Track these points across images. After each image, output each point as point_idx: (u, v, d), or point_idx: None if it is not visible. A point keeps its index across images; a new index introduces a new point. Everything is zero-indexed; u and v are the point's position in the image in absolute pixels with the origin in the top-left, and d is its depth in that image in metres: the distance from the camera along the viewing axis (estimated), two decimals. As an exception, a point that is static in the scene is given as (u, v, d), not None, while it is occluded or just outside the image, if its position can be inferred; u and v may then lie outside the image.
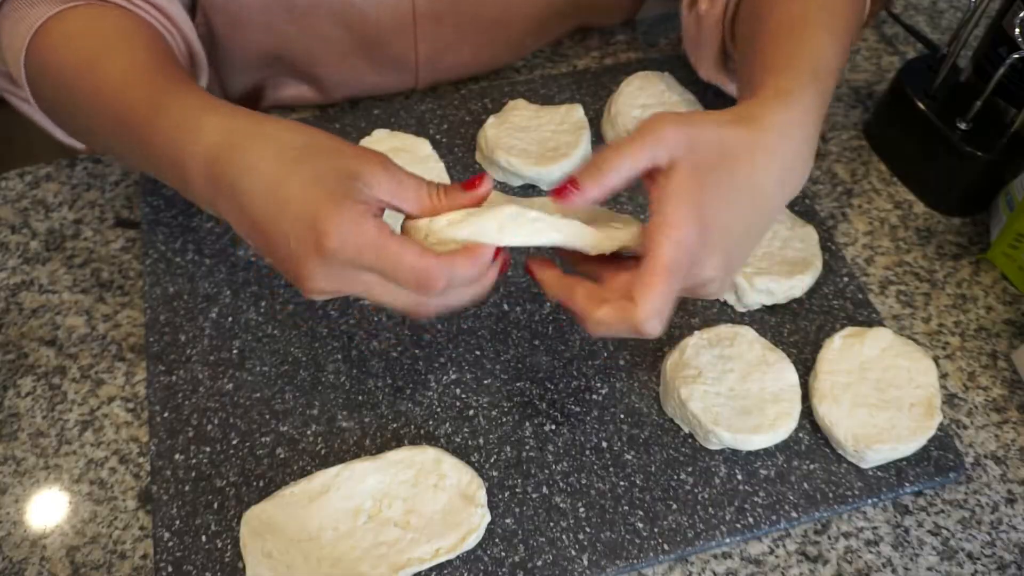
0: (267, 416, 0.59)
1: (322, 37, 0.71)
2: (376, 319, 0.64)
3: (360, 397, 0.60)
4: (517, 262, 0.67)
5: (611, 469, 0.58)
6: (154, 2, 0.60)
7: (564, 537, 0.55)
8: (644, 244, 0.46)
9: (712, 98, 0.77)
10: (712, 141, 0.47)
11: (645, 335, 0.45)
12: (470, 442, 0.59)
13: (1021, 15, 0.65)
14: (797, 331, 0.64)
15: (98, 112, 0.54)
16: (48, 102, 0.59)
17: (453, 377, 0.61)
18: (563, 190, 0.47)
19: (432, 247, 0.46)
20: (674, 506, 0.56)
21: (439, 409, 0.60)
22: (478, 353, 0.63)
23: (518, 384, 0.61)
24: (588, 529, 0.55)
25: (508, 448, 0.58)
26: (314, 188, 0.44)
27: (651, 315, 0.44)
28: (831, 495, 0.57)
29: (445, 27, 0.72)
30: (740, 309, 0.65)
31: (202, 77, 0.67)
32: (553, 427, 0.59)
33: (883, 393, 0.59)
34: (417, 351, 0.62)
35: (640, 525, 0.55)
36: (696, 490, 0.57)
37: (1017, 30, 0.65)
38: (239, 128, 0.47)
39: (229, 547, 0.54)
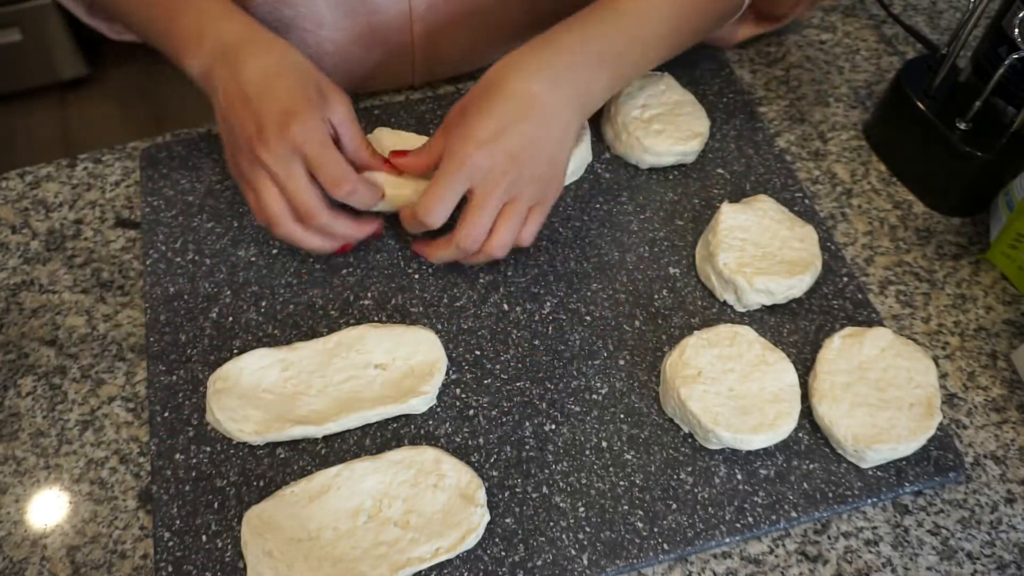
0: (267, 416, 0.59)
1: (318, 20, 0.71)
2: (377, 319, 0.64)
3: (360, 397, 0.60)
4: (517, 261, 0.67)
5: (611, 469, 0.58)
6: None
7: (564, 537, 0.55)
8: None
9: (712, 97, 0.78)
10: (475, 91, 0.60)
11: (428, 225, 0.59)
12: (470, 442, 0.59)
13: (1021, 15, 0.65)
14: (797, 331, 0.64)
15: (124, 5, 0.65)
16: None
17: (453, 377, 0.61)
18: (398, 154, 0.64)
19: None
20: (674, 506, 0.56)
21: (439, 409, 0.60)
22: (478, 353, 0.63)
23: (518, 384, 0.61)
24: (588, 529, 0.55)
25: (508, 448, 0.58)
26: (297, 91, 0.58)
27: (426, 205, 0.59)
28: (831, 495, 0.57)
29: (440, 10, 0.73)
30: (740, 309, 0.65)
31: None
32: (553, 427, 0.59)
33: (883, 393, 0.59)
34: (417, 351, 0.62)
35: (640, 525, 0.56)
36: (696, 490, 0.57)
37: (1017, 30, 0.65)
38: (250, 34, 0.61)
39: (229, 547, 0.54)
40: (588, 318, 0.64)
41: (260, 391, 0.58)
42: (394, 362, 0.60)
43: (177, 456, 0.57)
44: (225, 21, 0.61)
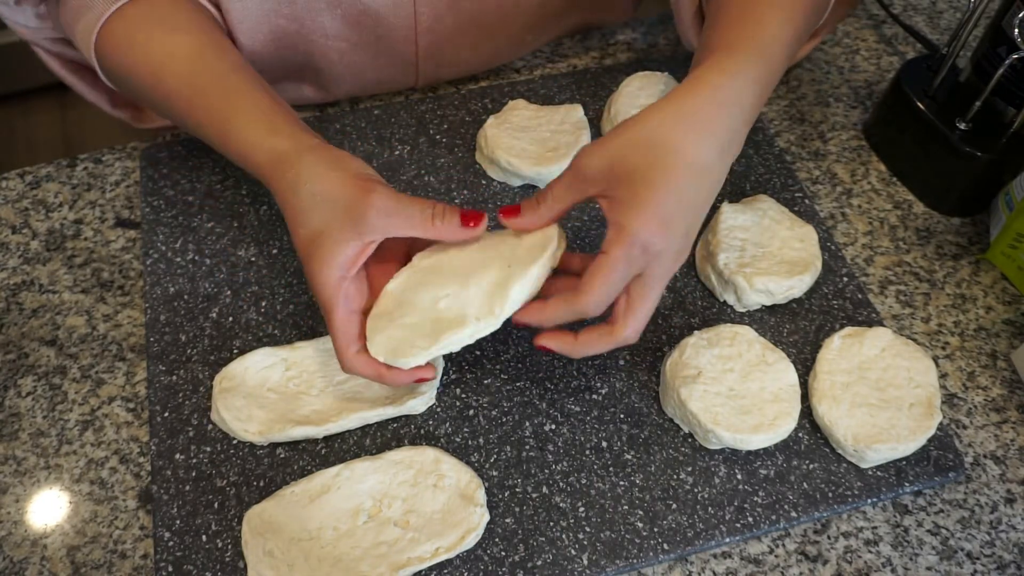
0: (267, 416, 0.59)
1: (323, 32, 0.71)
2: (376, 319, 0.64)
3: (360, 397, 0.60)
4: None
5: (611, 469, 0.58)
6: None
7: (564, 537, 0.55)
8: (603, 247, 0.51)
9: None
10: (637, 148, 0.51)
11: (588, 316, 0.51)
12: (470, 442, 0.59)
13: (1021, 15, 0.65)
14: (797, 331, 0.64)
15: (173, 114, 0.62)
16: (125, 92, 0.66)
17: (453, 377, 0.61)
18: (509, 213, 0.54)
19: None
20: (674, 506, 0.56)
21: (439, 409, 0.60)
22: (478, 353, 0.63)
23: (518, 384, 0.61)
24: (588, 529, 0.55)
25: (508, 448, 0.58)
26: (313, 238, 0.53)
27: (596, 300, 0.50)
28: (831, 495, 0.57)
29: (445, 22, 0.73)
30: (740, 309, 0.65)
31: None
32: (553, 427, 0.59)
33: (883, 393, 0.59)
34: (417, 351, 0.62)
35: (640, 525, 0.56)
36: (696, 490, 0.57)
37: (1017, 30, 0.65)
38: (288, 159, 0.56)
39: (229, 547, 0.54)
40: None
41: (265, 390, 0.58)
42: None
43: (177, 456, 0.57)
44: (269, 138, 0.57)
